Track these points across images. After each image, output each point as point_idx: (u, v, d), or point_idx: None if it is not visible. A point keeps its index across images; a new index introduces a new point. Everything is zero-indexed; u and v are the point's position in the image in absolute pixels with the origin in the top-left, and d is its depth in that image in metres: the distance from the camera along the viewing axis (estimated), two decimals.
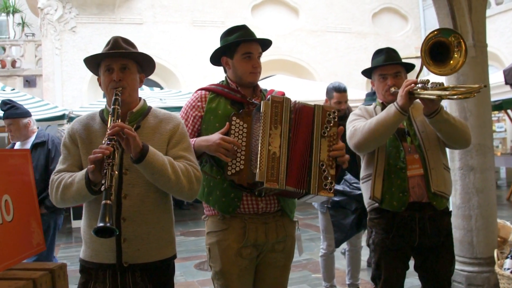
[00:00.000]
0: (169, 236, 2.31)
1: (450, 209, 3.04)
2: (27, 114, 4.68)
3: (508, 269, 3.84)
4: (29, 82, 14.97)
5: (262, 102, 2.34)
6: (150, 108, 2.39)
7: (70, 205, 2.31)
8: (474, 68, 4.23)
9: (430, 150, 2.81)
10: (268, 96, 2.37)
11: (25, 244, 2.24)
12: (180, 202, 10.93)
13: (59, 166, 2.29)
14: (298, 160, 2.30)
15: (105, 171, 1.92)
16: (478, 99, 3.94)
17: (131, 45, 2.33)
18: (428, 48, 2.58)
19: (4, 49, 15.50)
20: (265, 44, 2.65)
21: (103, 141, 2.02)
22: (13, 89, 11.49)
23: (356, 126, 2.81)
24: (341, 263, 5.37)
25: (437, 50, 2.62)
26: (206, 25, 14.87)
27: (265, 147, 2.25)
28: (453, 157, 4.27)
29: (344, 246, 4.76)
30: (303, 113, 2.36)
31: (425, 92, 2.56)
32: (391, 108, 2.66)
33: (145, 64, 2.38)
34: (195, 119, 2.58)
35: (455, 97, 2.49)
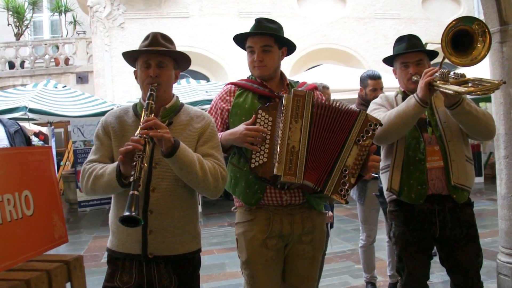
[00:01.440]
0: (194, 230, 2.31)
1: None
2: None
3: None
4: (82, 78, 15.20)
5: (284, 95, 2.30)
6: (182, 105, 2.39)
7: (100, 195, 2.38)
8: None
9: (452, 142, 2.70)
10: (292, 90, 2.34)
11: (46, 237, 2.32)
12: (228, 193, 10.68)
13: (91, 156, 2.30)
14: (322, 156, 2.28)
15: (134, 163, 1.95)
16: None
17: (169, 41, 2.34)
18: (449, 37, 2.44)
19: (57, 47, 15.79)
20: (279, 37, 2.55)
21: (136, 134, 2.04)
22: (65, 86, 11.63)
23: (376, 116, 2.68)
24: (385, 253, 5.07)
25: (460, 39, 2.47)
26: (252, 16, 14.29)
27: (284, 141, 2.24)
28: (498, 145, 3.99)
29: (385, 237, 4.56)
30: (343, 114, 2.31)
31: (444, 85, 2.44)
32: (411, 100, 2.56)
33: (181, 61, 2.40)
34: (223, 111, 2.57)
35: (473, 93, 2.36)
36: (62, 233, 2.44)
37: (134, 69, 2.38)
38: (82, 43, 15.57)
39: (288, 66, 14.22)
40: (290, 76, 13.32)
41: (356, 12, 15.44)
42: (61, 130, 15.42)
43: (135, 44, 13.69)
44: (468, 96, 2.61)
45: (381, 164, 2.89)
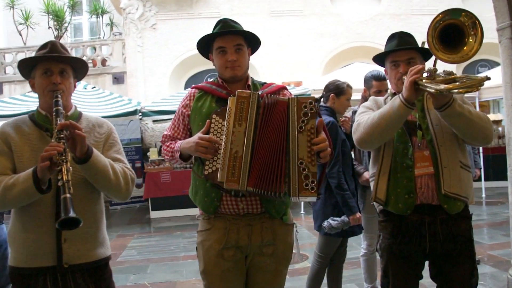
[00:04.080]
0: (103, 236, 2.30)
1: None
2: None
3: None
4: (118, 79, 15.05)
5: (229, 98, 2.16)
6: (81, 113, 2.37)
7: (9, 208, 2.17)
8: None
9: (444, 146, 2.41)
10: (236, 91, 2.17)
11: None
12: None
13: None
14: (267, 159, 2.08)
15: (60, 167, 1.89)
16: None
17: (67, 50, 2.28)
18: (437, 32, 2.24)
19: (94, 48, 15.69)
20: (251, 37, 2.41)
21: (53, 140, 1.98)
22: (94, 87, 11.51)
23: (360, 120, 2.48)
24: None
25: (450, 34, 2.24)
26: (284, 14, 14.00)
27: (228, 146, 2.10)
28: (510, 151, 3.78)
29: None
30: (276, 107, 2.12)
31: (428, 84, 2.17)
32: (396, 101, 2.31)
33: (80, 70, 2.34)
34: (185, 117, 2.45)
35: (456, 91, 2.07)
36: None
37: (29, 79, 2.28)
38: (118, 44, 15.40)
39: (320, 65, 13.69)
40: (322, 75, 12.78)
41: (392, 8, 14.49)
42: None
43: (167, 44, 13.72)
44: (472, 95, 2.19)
45: (370, 171, 2.65)
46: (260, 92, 2.29)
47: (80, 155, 2.00)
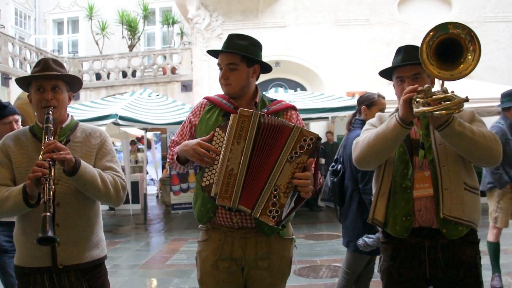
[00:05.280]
0: (98, 238, 2.40)
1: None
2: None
3: None
4: (186, 87, 15.38)
5: (231, 115, 2.15)
6: (77, 123, 2.48)
7: (6, 217, 2.40)
8: None
9: (446, 167, 2.25)
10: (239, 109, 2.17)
11: None
12: (312, 203, 10.11)
13: None
14: (259, 179, 2.09)
15: (43, 186, 2.02)
16: None
17: (60, 65, 2.38)
18: (433, 49, 2.04)
19: (165, 57, 16.12)
20: (248, 53, 2.35)
21: (39, 158, 2.12)
22: (158, 95, 11.76)
23: (359, 138, 2.38)
24: None
25: (449, 49, 2.04)
26: (350, 24, 13.72)
27: (224, 162, 2.11)
28: None
29: None
30: (279, 131, 2.10)
31: (415, 104, 2.07)
32: (392, 120, 2.19)
33: (74, 83, 2.45)
34: (191, 124, 2.47)
35: (437, 112, 1.97)
36: None
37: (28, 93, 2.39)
38: (187, 53, 15.73)
39: None
40: (388, 85, 12.36)
41: (463, 15, 13.75)
42: (166, 135, 15.74)
43: None
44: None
45: (373, 192, 2.52)
46: (266, 110, 2.32)
47: (68, 169, 2.13)
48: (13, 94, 13.78)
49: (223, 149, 2.13)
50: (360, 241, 3.38)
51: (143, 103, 10.17)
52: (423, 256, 2.27)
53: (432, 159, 2.27)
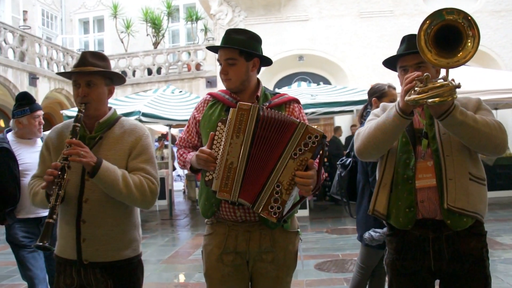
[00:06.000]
0: (128, 238, 2.34)
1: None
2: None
3: None
4: (210, 83, 15.46)
5: (230, 109, 2.16)
6: (118, 118, 2.42)
7: (42, 209, 2.52)
8: None
9: (450, 156, 2.18)
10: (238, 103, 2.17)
11: None
12: (335, 198, 9.96)
13: (36, 171, 2.42)
14: (260, 173, 2.09)
15: (52, 190, 2.04)
16: None
17: (100, 58, 2.32)
18: (431, 37, 1.97)
19: (189, 53, 16.18)
20: (245, 47, 2.33)
21: (58, 159, 2.12)
22: (181, 91, 11.76)
23: (361, 129, 2.34)
24: None
25: (448, 36, 1.97)
26: (374, 15, 13.48)
27: (224, 156, 2.11)
28: None
29: None
30: (284, 127, 2.08)
31: (410, 94, 2.01)
32: (392, 110, 2.14)
33: (115, 77, 2.39)
34: (196, 120, 2.49)
35: (430, 100, 1.92)
36: None
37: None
38: None
39: None
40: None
41: (491, 4, 13.36)
42: None
43: None
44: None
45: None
46: (267, 103, 2.31)
47: (88, 170, 2.12)
48: (41, 93, 14.06)
49: (222, 142, 2.13)
50: (366, 235, 3.33)
51: (167, 100, 10.22)
52: (428, 248, 2.22)
53: (436, 149, 2.21)
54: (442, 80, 1.96)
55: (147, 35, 18.08)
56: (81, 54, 2.30)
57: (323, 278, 5.10)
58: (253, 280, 2.43)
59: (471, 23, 1.91)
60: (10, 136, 3.56)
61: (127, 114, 8.32)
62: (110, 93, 2.38)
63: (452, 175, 2.16)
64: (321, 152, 2.10)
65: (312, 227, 8.06)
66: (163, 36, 18.53)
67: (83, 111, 2.23)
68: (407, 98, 1.98)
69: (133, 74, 16.93)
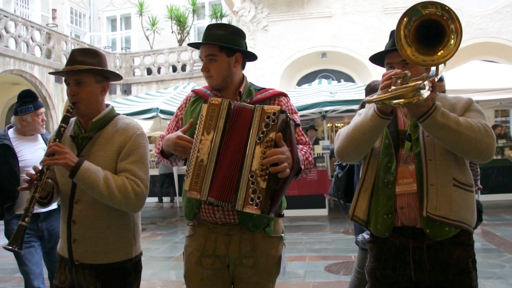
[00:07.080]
0: (120, 241, 2.28)
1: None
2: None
3: None
4: None
5: (202, 105, 2.12)
6: (114, 116, 2.36)
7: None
8: None
9: (433, 161, 2.03)
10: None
11: None
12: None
13: None
14: (225, 170, 1.98)
15: (29, 193, 2.04)
16: None
17: (92, 55, 2.27)
18: (412, 33, 1.81)
19: None
20: (225, 42, 2.26)
21: (39, 162, 2.13)
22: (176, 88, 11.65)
23: (342, 129, 2.22)
24: None
25: (430, 31, 1.81)
26: (399, 11, 13.06)
27: (194, 154, 2.03)
28: None
29: None
30: (240, 116, 2.01)
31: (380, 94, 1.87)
32: (370, 110, 2.01)
33: (107, 73, 2.32)
34: (178, 118, 2.45)
35: (395, 102, 1.76)
36: None
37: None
38: None
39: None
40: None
41: None
42: None
43: (278, 45, 13.64)
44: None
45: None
46: (249, 99, 2.21)
47: (68, 170, 2.08)
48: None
49: (194, 140, 2.05)
50: (359, 237, 3.23)
51: (176, 97, 10.03)
52: (408, 258, 2.08)
53: (418, 152, 2.07)
54: (420, 80, 1.79)
55: (172, 32, 18.19)
56: (70, 52, 2.25)
57: (331, 281, 4.98)
58: (234, 285, 2.36)
59: (450, 14, 1.75)
60: (11, 132, 3.58)
61: (145, 111, 8.38)
62: (104, 90, 2.32)
63: (434, 180, 2.01)
64: (288, 128, 1.97)
65: (330, 226, 7.90)
66: (188, 33, 18.61)
67: (71, 110, 2.19)
68: (369, 98, 1.85)
69: (158, 71, 17.07)
